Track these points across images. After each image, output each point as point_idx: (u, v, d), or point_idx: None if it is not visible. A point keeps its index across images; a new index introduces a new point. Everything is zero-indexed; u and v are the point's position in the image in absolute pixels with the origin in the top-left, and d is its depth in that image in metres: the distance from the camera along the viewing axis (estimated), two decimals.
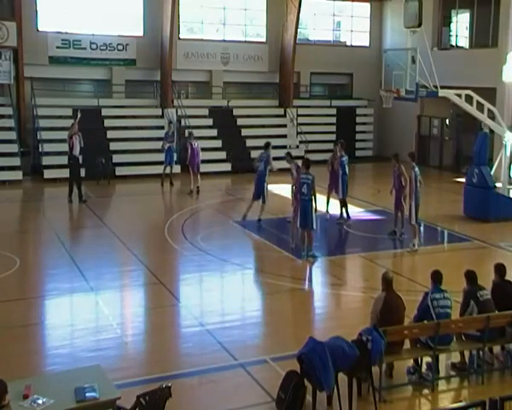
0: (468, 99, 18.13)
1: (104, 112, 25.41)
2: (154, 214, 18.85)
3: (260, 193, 17.06)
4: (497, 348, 9.09)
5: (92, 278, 12.47)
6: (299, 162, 15.39)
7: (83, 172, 22.90)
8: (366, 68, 29.28)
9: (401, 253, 14.92)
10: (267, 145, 17.51)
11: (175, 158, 22.57)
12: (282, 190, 21.42)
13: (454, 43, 28.13)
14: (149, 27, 26.36)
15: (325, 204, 17.26)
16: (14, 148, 23.33)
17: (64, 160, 23.26)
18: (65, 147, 23.78)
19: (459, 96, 18.16)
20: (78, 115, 19.88)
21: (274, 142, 26.93)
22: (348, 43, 31.21)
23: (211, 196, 20.62)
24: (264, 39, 29.02)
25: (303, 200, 13.77)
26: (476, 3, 25.39)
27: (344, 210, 17.18)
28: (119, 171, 23.65)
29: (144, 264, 13.61)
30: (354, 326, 8.83)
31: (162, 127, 26.02)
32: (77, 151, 19.62)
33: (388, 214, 17.11)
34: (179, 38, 27.16)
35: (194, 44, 27.58)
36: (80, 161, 20.37)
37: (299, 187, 13.88)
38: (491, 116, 18.65)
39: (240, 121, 27.46)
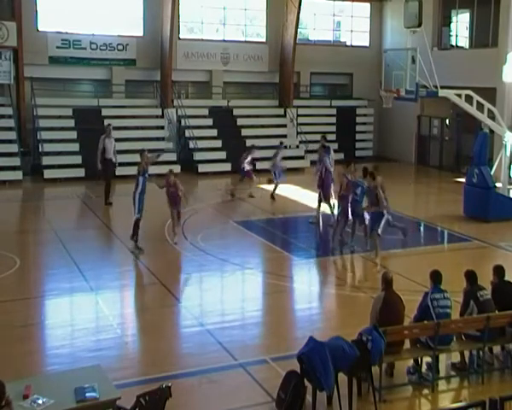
0: (468, 99, 18.12)
1: (104, 112, 25.38)
2: (154, 214, 18.82)
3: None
4: (497, 348, 9.09)
5: (92, 278, 12.46)
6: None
7: (83, 172, 23.04)
8: (366, 68, 29.28)
9: (401, 253, 14.91)
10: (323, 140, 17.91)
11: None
12: (282, 190, 21.44)
13: (454, 43, 28.12)
14: (149, 27, 26.37)
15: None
16: (14, 148, 23.33)
17: (64, 160, 23.46)
18: (65, 147, 24.04)
19: (459, 96, 18.16)
20: (110, 128, 19.46)
21: (274, 142, 27.12)
22: (348, 43, 31.20)
23: (211, 196, 20.62)
24: (264, 39, 29.02)
25: (355, 200, 14.36)
26: (476, 3, 25.37)
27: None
28: (120, 171, 23.60)
29: (144, 264, 13.61)
30: (354, 326, 8.82)
31: (162, 127, 26.09)
32: (110, 154, 19.13)
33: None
34: (179, 38, 27.16)
35: (195, 44, 27.58)
36: (115, 163, 19.66)
37: (354, 188, 14.37)
38: (491, 116, 18.64)
39: (240, 121, 27.45)
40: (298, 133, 28.03)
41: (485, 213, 17.43)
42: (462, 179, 19.77)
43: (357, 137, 29.93)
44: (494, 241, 15.57)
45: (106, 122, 24.98)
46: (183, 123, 26.19)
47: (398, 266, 13.80)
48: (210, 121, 26.88)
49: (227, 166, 24.97)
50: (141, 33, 26.60)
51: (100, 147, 19.10)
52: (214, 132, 26.42)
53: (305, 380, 7.62)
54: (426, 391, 8.33)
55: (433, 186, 24.29)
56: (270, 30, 28.63)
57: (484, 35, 24.95)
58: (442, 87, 18.12)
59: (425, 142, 28.30)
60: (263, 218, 17.63)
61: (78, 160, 23.45)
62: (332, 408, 7.73)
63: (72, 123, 24.72)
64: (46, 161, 23.22)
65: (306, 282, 13.25)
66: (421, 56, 17.42)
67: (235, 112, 27.61)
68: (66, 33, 25.48)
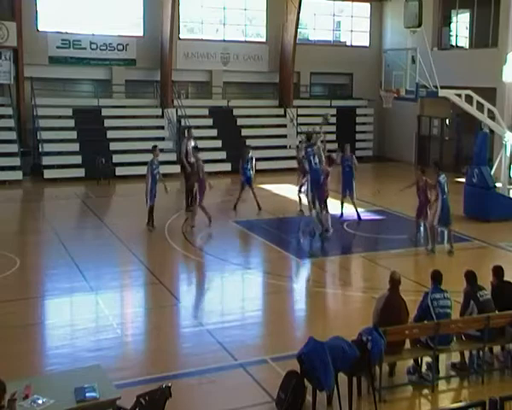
0: (468, 99, 18.12)
1: (104, 112, 25.41)
2: (154, 214, 18.82)
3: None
4: (497, 348, 9.09)
5: (92, 278, 12.46)
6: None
7: (83, 172, 23.05)
8: (366, 68, 29.29)
9: (401, 253, 14.91)
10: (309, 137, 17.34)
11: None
12: (282, 189, 21.45)
13: (454, 43, 28.13)
14: (149, 27, 26.38)
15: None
16: (14, 148, 23.34)
17: (64, 160, 23.47)
18: (65, 147, 24.05)
19: (459, 96, 18.16)
20: (191, 131, 18.92)
21: (274, 142, 27.22)
22: (348, 43, 31.22)
23: (211, 196, 20.56)
24: (264, 39, 29.03)
25: (445, 199, 14.49)
26: (476, 3, 25.38)
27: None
28: (119, 171, 23.65)
29: (144, 264, 13.61)
30: (354, 326, 8.82)
31: (162, 127, 26.10)
32: (192, 157, 17.41)
33: (388, 214, 17.11)
34: (179, 38, 27.18)
35: (195, 44, 27.60)
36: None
37: (442, 188, 14.48)
38: (491, 116, 18.64)
39: (240, 121, 27.45)
40: (298, 133, 28.01)
41: (486, 213, 17.43)
42: (462, 179, 19.76)
43: (357, 137, 29.91)
44: (494, 241, 15.57)
45: (106, 122, 25.17)
46: (183, 123, 26.19)
47: (398, 266, 13.80)
48: (210, 121, 26.89)
49: (227, 166, 24.96)
50: (141, 33, 26.62)
51: (183, 150, 18.07)
52: (214, 132, 26.42)
53: (305, 380, 7.62)
54: (426, 391, 8.33)
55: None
56: (270, 30, 28.64)
57: (484, 35, 24.95)
58: (442, 87, 18.11)
59: (425, 142, 28.30)
60: (263, 218, 17.63)
61: (78, 160, 23.48)
62: (332, 408, 7.73)
63: (72, 123, 24.73)
64: (46, 161, 23.22)
65: (306, 282, 13.25)
66: (421, 56, 17.42)
67: (235, 112, 27.61)
68: (66, 33, 25.50)
